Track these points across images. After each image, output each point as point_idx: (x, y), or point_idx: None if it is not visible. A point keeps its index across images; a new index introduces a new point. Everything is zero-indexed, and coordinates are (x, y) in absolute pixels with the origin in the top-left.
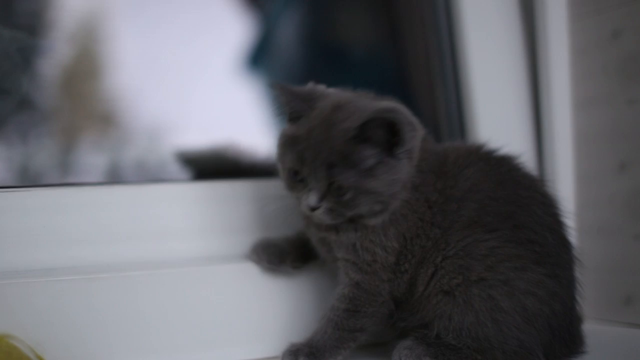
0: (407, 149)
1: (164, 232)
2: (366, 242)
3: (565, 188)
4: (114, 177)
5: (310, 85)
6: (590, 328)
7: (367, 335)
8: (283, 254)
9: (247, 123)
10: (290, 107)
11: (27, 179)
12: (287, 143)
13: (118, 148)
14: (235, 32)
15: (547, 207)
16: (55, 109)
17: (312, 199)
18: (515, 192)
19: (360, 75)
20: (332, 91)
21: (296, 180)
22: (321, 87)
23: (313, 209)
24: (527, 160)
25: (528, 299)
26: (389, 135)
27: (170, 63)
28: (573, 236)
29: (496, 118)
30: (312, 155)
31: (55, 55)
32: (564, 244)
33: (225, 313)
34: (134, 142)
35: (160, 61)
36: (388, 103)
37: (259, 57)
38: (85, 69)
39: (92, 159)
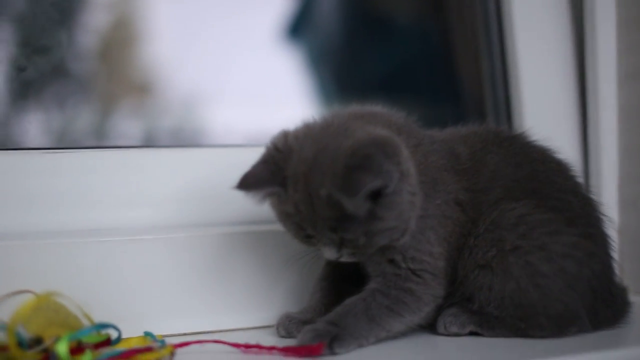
0: (397, 177)
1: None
2: (410, 251)
3: (609, 161)
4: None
5: (277, 139)
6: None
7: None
8: (312, 323)
9: (286, 93)
10: (268, 192)
11: (65, 143)
12: (281, 217)
13: (154, 116)
14: (275, 1)
15: (564, 173)
16: (91, 76)
17: (330, 253)
18: (533, 169)
19: (402, 47)
20: (298, 134)
21: (307, 239)
22: (285, 137)
23: (337, 259)
24: (571, 133)
25: (567, 261)
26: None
27: (208, 32)
28: (612, 208)
29: (542, 91)
30: (310, 225)
31: (93, 22)
32: (589, 204)
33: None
34: (171, 111)
35: (198, 30)
36: (360, 159)
37: (299, 27)
38: (123, 37)
39: (128, 126)
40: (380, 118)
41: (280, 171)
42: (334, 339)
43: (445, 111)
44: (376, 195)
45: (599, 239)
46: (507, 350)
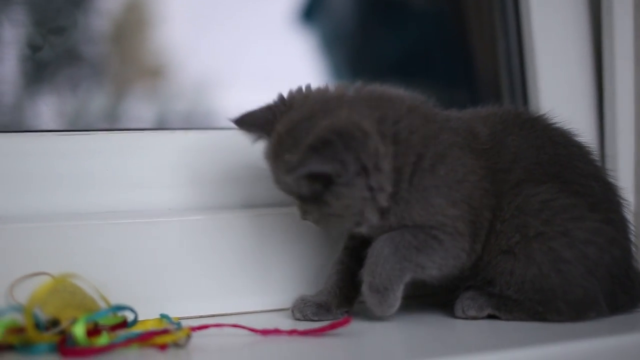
0: (353, 171)
1: (216, 177)
2: (421, 220)
3: (625, 144)
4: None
5: (288, 92)
6: None
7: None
8: (328, 306)
9: (300, 77)
10: (258, 136)
11: (79, 126)
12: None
13: (167, 100)
14: None
15: (585, 157)
16: (104, 59)
17: (299, 213)
18: (555, 153)
19: (417, 29)
20: (303, 96)
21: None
22: (292, 94)
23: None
24: (587, 116)
25: (589, 248)
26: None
27: (221, 15)
28: (628, 191)
29: (558, 74)
30: (277, 184)
31: (106, 5)
32: (610, 188)
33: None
34: (183, 95)
35: (211, 13)
36: (314, 145)
37: (313, 10)
38: (136, 21)
39: (141, 109)
40: (384, 103)
41: (273, 121)
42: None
43: (461, 94)
44: (328, 182)
45: (620, 224)
46: (525, 333)
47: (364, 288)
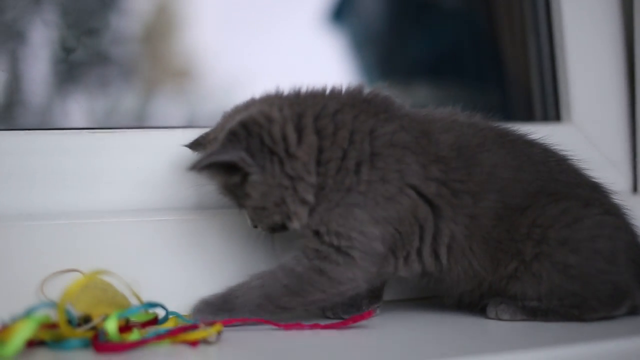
0: (262, 159)
1: None
2: (333, 225)
3: None
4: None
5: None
6: None
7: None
8: (358, 304)
9: (329, 77)
10: None
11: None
12: None
13: (195, 100)
14: None
15: (564, 168)
16: (134, 61)
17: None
18: (535, 170)
19: (448, 31)
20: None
21: None
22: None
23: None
24: (619, 115)
25: (597, 242)
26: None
27: (251, 16)
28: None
29: (590, 77)
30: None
31: (136, 8)
32: (597, 189)
33: None
34: (212, 96)
35: (240, 14)
36: (228, 130)
37: (343, 10)
38: (165, 23)
39: (170, 110)
40: (311, 99)
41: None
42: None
43: (492, 95)
44: (244, 173)
45: (619, 213)
46: (559, 332)
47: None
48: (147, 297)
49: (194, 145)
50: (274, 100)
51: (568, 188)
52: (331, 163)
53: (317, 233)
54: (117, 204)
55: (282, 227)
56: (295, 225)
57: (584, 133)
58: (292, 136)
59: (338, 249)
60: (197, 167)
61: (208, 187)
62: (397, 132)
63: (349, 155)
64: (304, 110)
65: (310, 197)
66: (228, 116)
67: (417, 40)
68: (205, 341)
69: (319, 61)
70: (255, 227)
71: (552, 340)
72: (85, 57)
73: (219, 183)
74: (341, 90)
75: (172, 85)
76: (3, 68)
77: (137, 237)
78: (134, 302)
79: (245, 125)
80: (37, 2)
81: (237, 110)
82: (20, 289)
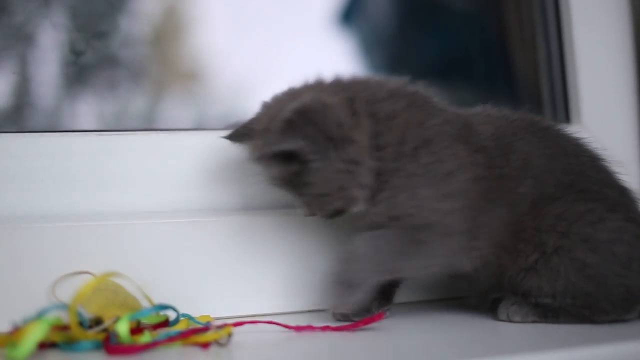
0: (321, 145)
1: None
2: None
3: None
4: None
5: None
6: None
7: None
8: (368, 306)
9: None
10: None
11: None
12: None
13: (204, 103)
14: None
15: (597, 166)
16: (143, 63)
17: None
18: (567, 162)
19: (457, 33)
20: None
21: None
22: (272, 96)
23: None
24: (628, 118)
25: (615, 245)
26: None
27: (259, 19)
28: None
29: (599, 79)
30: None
31: (145, 10)
32: (625, 193)
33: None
34: (221, 98)
35: (249, 17)
36: (281, 120)
37: (352, 13)
38: (174, 25)
39: (178, 112)
40: (358, 86)
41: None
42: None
43: (501, 98)
44: (303, 161)
45: None
46: (570, 334)
47: (331, 278)
48: (158, 299)
49: (236, 136)
50: (323, 87)
51: (598, 186)
52: (388, 148)
53: (394, 219)
54: (126, 206)
55: (340, 212)
56: (357, 208)
57: (593, 135)
58: (347, 121)
59: (416, 228)
60: (262, 156)
61: (224, 189)
62: (443, 124)
63: (406, 141)
64: (355, 95)
65: (369, 181)
66: (271, 106)
67: (426, 43)
68: (216, 343)
69: (328, 63)
70: (312, 215)
71: (563, 343)
72: (94, 60)
73: (276, 174)
74: (386, 80)
75: (180, 88)
76: (13, 70)
77: (147, 240)
78: (145, 304)
79: (302, 113)
80: (46, 5)
81: (281, 99)
82: (32, 291)
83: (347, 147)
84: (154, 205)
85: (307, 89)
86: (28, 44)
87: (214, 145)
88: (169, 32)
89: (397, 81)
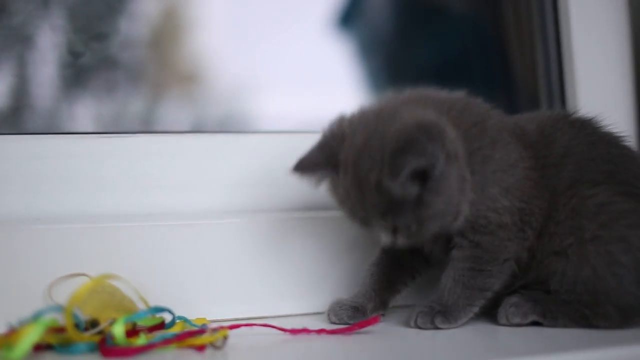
0: (443, 161)
1: (253, 181)
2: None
3: None
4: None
5: (333, 124)
6: None
7: (493, 294)
8: (363, 309)
9: (337, 81)
10: (322, 175)
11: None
12: (336, 201)
13: (203, 105)
14: None
15: (636, 159)
16: (141, 65)
17: (385, 240)
18: (608, 151)
19: (455, 35)
20: (352, 119)
21: (363, 223)
22: (339, 125)
23: (392, 244)
24: (626, 121)
25: None
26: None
27: (258, 20)
28: None
29: (597, 81)
30: (362, 212)
31: (144, 11)
32: None
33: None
34: (220, 100)
35: (248, 18)
36: (405, 145)
37: (351, 15)
38: (173, 27)
39: (177, 114)
40: (431, 100)
41: (333, 155)
42: (436, 315)
43: (499, 99)
44: (424, 179)
45: None
46: (569, 339)
47: (438, 321)
48: (155, 302)
49: (306, 167)
50: (405, 106)
51: (638, 181)
52: (474, 157)
53: (469, 222)
54: (122, 209)
55: (444, 231)
56: (455, 226)
57: None
58: (454, 137)
59: (477, 229)
60: (401, 176)
61: (221, 192)
62: (500, 125)
63: (482, 147)
64: (441, 109)
65: (472, 194)
66: (357, 129)
67: (424, 45)
68: (212, 346)
69: (327, 66)
70: (396, 243)
71: (560, 347)
72: (92, 62)
73: (399, 195)
74: (446, 94)
75: (179, 90)
76: (11, 72)
77: (143, 242)
78: (141, 306)
79: (421, 130)
80: (45, 7)
81: (368, 122)
82: (28, 293)
83: (457, 162)
84: (151, 207)
85: (387, 110)
86: (26, 46)
87: (212, 147)
88: (167, 34)
89: (455, 94)
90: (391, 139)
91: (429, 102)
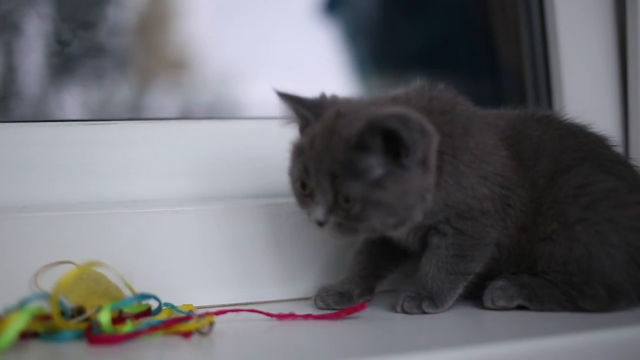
0: (418, 158)
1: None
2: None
3: None
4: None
5: (322, 95)
6: None
7: (475, 276)
8: (350, 295)
9: (323, 68)
10: (299, 116)
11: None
12: (294, 154)
13: (191, 91)
14: None
15: (606, 145)
16: (129, 52)
17: (318, 212)
18: (577, 141)
19: (441, 22)
20: (344, 100)
21: (305, 195)
22: (333, 96)
23: (321, 224)
24: (612, 109)
25: (631, 234)
26: (392, 144)
27: (245, 7)
28: None
29: (582, 68)
30: (315, 165)
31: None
32: (635, 171)
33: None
34: (207, 87)
35: (235, 5)
36: (394, 110)
37: (337, 2)
38: (160, 13)
39: (165, 101)
40: (413, 101)
41: (319, 108)
42: (423, 300)
43: (484, 88)
44: (394, 160)
45: None
46: (554, 323)
47: (425, 306)
48: (141, 289)
49: (287, 97)
50: (396, 102)
51: (610, 162)
52: (445, 156)
53: (448, 207)
54: (109, 196)
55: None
56: (401, 231)
57: None
58: (434, 148)
59: (460, 215)
60: (370, 123)
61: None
62: (470, 111)
63: (453, 136)
64: (418, 108)
65: (430, 205)
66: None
67: (410, 31)
68: (198, 332)
69: (313, 52)
70: (321, 224)
71: (546, 330)
72: (80, 49)
73: (346, 160)
74: (418, 92)
75: (166, 77)
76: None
77: (129, 229)
78: (127, 293)
79: (418, 123)
80: None
81: (363, 101)
82: (14, 281)
83: (429, 174)
84: (137, 194)
85: (382, 99)
86: (14, 34)
87: (199, 134)
88: (155, 21)
89: (421, 90)
90: (378, 112)
91: (403, 102)
